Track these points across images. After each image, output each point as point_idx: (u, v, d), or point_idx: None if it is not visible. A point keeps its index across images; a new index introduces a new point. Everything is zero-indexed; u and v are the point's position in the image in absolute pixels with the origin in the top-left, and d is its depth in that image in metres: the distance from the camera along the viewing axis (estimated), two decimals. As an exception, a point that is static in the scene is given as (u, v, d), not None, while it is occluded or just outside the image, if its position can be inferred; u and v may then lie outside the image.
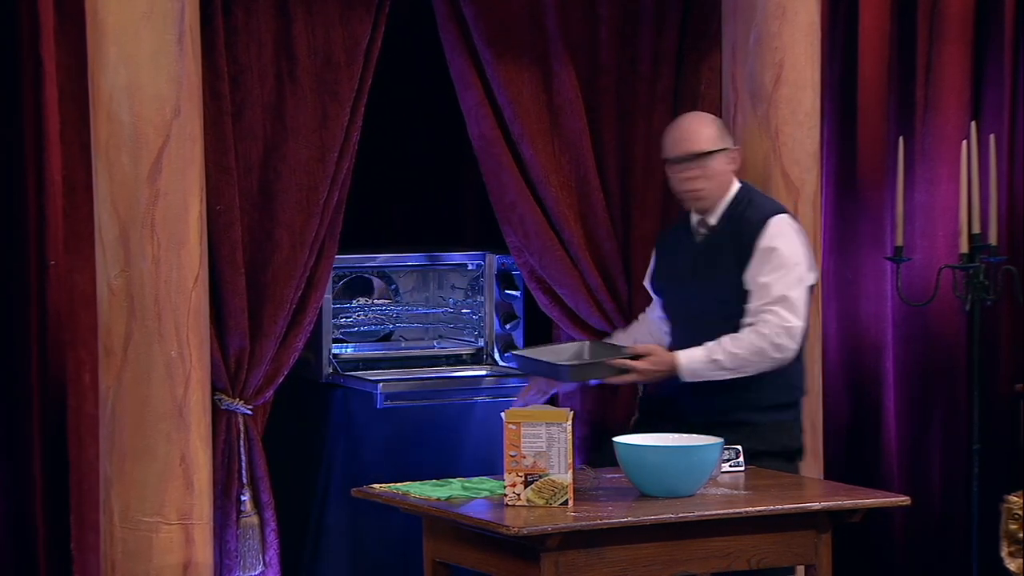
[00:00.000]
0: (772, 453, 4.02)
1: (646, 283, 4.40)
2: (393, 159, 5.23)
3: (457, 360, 4.97)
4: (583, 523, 3.41)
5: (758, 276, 4.06)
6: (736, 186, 4.21)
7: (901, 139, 5.00)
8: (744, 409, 4.04)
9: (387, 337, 5.02)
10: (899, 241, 4.92)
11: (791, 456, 4.12)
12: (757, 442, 3.98)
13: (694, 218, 4.23)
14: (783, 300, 4.03)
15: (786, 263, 4.05)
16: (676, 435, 3.74)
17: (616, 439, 3.66)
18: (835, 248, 5.19)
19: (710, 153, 4.14)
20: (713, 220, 4.18)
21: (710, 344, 4.03)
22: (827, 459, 4.69)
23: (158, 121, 3.97)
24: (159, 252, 3.98)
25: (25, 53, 4.24)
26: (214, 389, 4.19)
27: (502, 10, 4.58)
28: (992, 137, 4.95)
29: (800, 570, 3.79)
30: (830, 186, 5.15)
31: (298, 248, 4.35)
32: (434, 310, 5.09)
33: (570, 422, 3.51)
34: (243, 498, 4.32)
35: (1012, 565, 4.34)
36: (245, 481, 4.32)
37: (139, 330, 3.98)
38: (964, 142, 4.89)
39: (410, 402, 4.71)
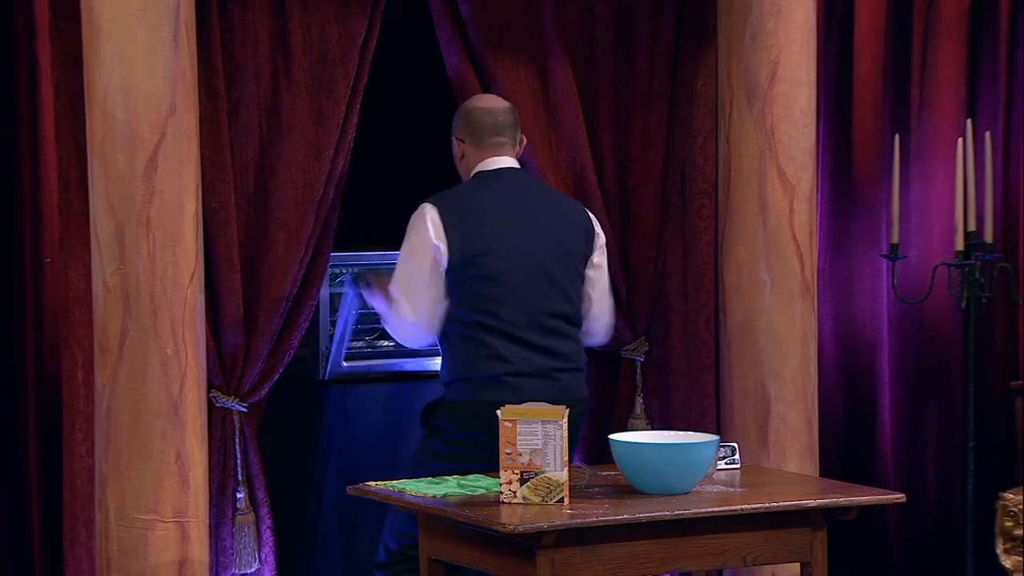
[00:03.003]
0: None
1: None
2: (389, 157, 5.22)
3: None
4: (579, 521, 3.41)
5: None
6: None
7: (897, 136, 5.00)
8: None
9: (384, 335, 5.02)
10: (895, 238, 4.92)
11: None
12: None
13: None
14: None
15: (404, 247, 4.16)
16: (672, 432, 3.75)
17: (612, 436, 3.66)
18: (831, 245, 5.19)
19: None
20: None
21: None
22: (822, 456, 4.69)
23: (153, 118, 3.96)
24: (155, 250, 3.98)
25: (20, 50, 4.24)
26: (209, 387, 4.19)
27: (498, 7, 4.57)
28: (988, 134, 4.95)
29: (796, 567, 3.79)
30: (826, 183, 5.16)
31: (294, 246, 4.35)
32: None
33: (566, 420, 3.51)
34: (239, 495, 4.31)
35: (1007, 562, 4.35)
36: (241, 479, 4.32)
37: (135, 328, 3.98)
38: (960, 139, 4.90)
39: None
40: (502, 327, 4.05)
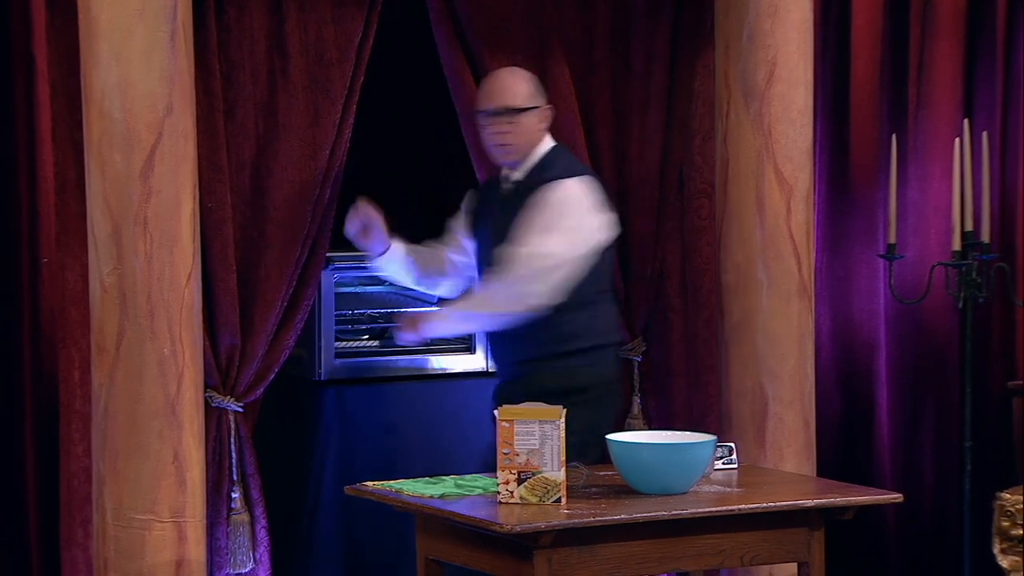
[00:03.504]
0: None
1: (456, 224, 4.39)
2: (386, 157, 5.22)
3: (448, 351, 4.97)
4: (576, 521, 3.41)
5: (523, 222, 4.07)
6: (548, 146, 4.20)
7: (894, 136, 5.00)
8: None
9: (380, 335, 5.02)
10: (892, 239, 4.92)
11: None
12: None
13: (504, 172, 4.25)
14: (540, 245, 4.02)
15: (557, 222, 4.03)
16: (669, 432, 3.75)
17: (609, 436, 3.66)
18: (828, 245, 5.19)
19: (523, 110, 4.15)
20: (519, 175, 4.19)
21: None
22: (820, 456, 4.69)
23: (150, 118, 3.96)
24: (152, 249, 3.98)
25: (16, 50, 4.23)
26: (205, 386, 4.18)
27: (496, 7, 4.57)
28: (984, 134, 4.96)
29: (793, 567, 3.79)
30: (823, 183, 5.16)
31: (290, 246, 4.35)
32: (428, 308, 5.08)
33: (563, 420, 3.50)
34: (234, 495, 4.31)
35: (1005, 562, 4.35)
36: (236, 478, 4.31)
37: (131, 328, 3.97)
38: (957, 140, 4.90)
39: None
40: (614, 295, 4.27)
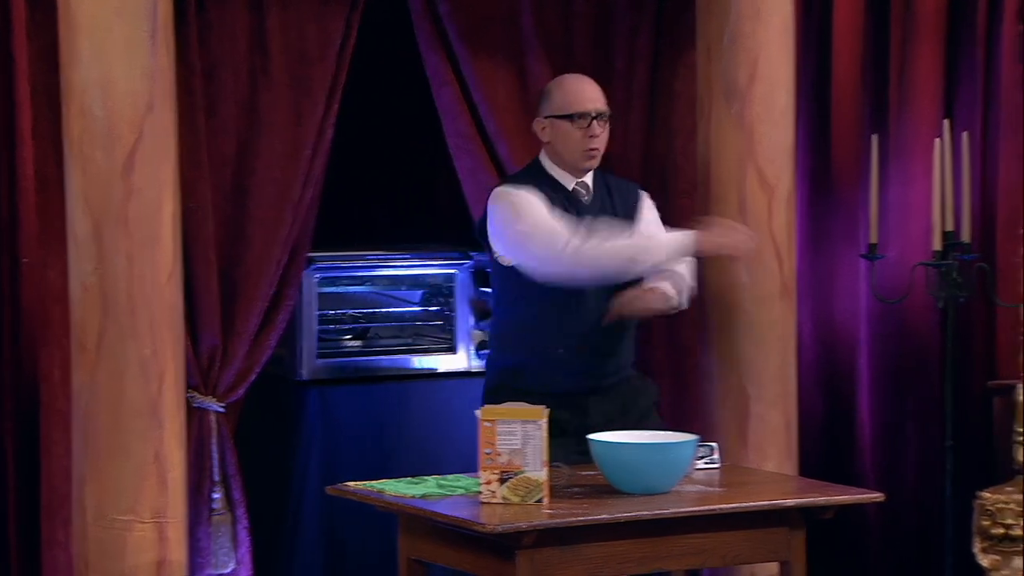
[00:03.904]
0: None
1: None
2: (368, 156, 5.21)
3: (429, 351, 4.96)
4: (558, 520, 3.41)
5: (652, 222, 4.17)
6: None
7: (875, 137, 5.01)
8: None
9: (362, 335, 5.01)
10: (873, 239, 4.93)
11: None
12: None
13: (567, 182, 4.08)
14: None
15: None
16: (651, 432, 3.75)
17: (591, 436, 3.66)
18: (809, 246, 5.20)
19: (612, 116, 4.15)
20: (587, 181, 4.12)
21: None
22: (802, 456, 4.70)
23: (131, 116, 3.95)
24: (133, 248, 3.96)
25: (-4, 48, 4.22)
26: (187, 387, 4.17)
27: (477, 7, 4.57)
28: (965, 135, 4.97)
29: (774, 567, 3.80)
30: (804, 184, 5.16)
31: (271, 245, 4.34)
32: (410, 308, 5.08)
33: (545, 420, 3.50)
34: (215, 496, 4.30)
35: (985, 561, 4.36)
36: (217, 479, 4.30)
37: (112, 327, 3.96)
38: (937, 140, 4.91)
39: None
40: None
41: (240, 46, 4.30)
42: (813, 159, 5.20)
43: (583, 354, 4.01)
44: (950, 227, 4.87)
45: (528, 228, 3.96)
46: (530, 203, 3.98)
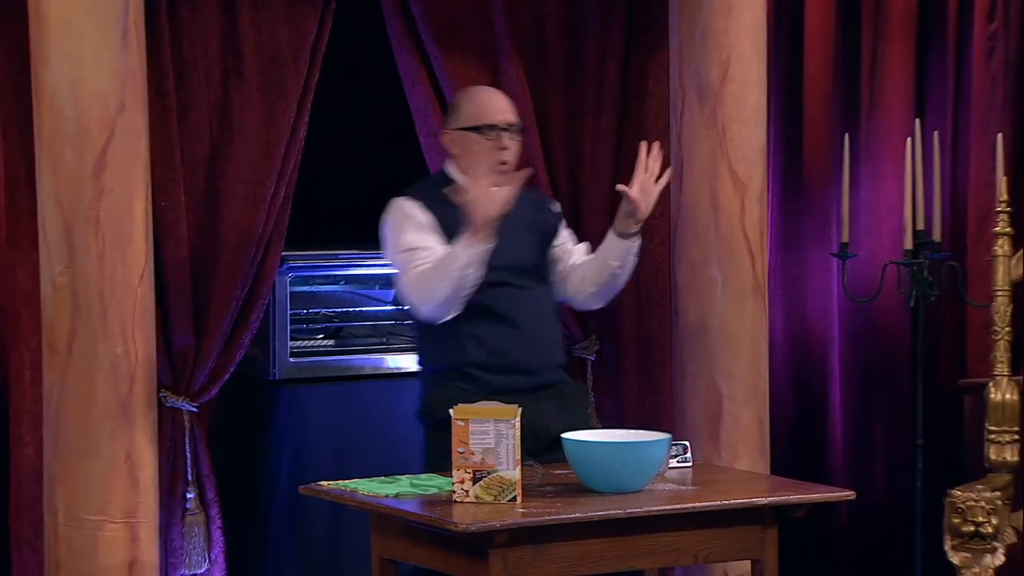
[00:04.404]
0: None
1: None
2: (341, 155, 5.21)
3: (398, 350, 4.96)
4: (531, 519, 3.41)
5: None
6: None
7: (847, 136, 5.03)
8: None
9: (335, 334, 5.01)
10: (844, 238, 4.95)
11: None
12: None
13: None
14: None
15: None
16: (624, 431, 3.75)
17: (564, 435, 3.66)
18: (781, 245, 5.21)
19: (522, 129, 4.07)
20: None
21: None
22: (773, 454, 4.71)
23: (102, 117, 3.93)
24: (104, 248, 3.95)
25: (-34, 47, 4.20)
26: (159, 386, 4.16)
27: (449, 6, 4.57)
28: (936, 134, 4.99)
29: (747, 565, 3.81)
30: (776, 183, 5.18)
31: (244, 245, 4.33)
32: (383, 308, 5.08)
33: (518, 419, 3.51)
34: (188, 496, 4.29)
35: (956, 558, 4.37)
36: (191, 479, 4.29)
37: (83, 327, 3.94)
38: (908, 139, 4.93)
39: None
40: None
41: (212, 47, 4.29)
42: (785, 158, 5.21)
43: (515, 352, 3.93)
44: (921, 226, 4.89)
45: (393, 253, 3.93)
46: (405, 224, 3.91)
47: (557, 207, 4.22)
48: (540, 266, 4.06)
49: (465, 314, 3.91)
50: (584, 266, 4.13)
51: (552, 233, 4.11)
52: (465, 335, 3.92)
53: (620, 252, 4.04)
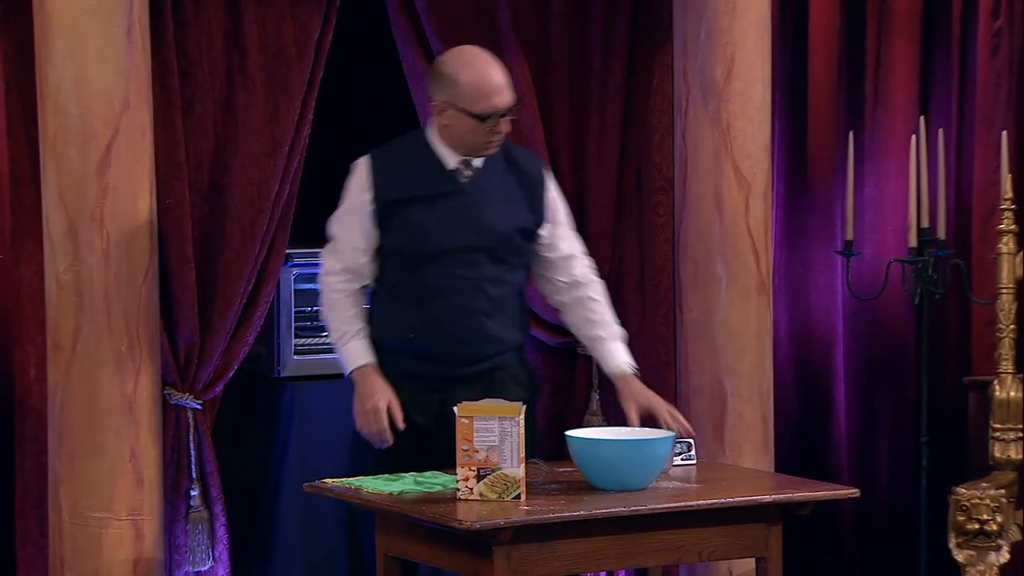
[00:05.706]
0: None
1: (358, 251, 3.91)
2: (345, 153, 5.20)
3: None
4: (535, 517, 3.41)
5: (564, 221, 4.00)
6: None
7: (851, 134, 5.03)
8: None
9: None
10: (849, 235, 4.95)
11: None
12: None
13: (449, 159, 3.83)
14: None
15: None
16: (628, 429, 3.75)
17: (569, 433, 3.66)
18: (785, 242, 5.21)
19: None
20: (479, 163, 3.85)
21: (608, 318, 3.99)
22: (777, 452, 4.72)
23: (106, 114, 3.94)
24: (108, 246, 3.95)
25: (-30, 45, 4.20)
26: (163, 384, 4.17)
27: (453, 4, 4.57)
28: (940, 132, 4.99)
29: (751, 562, 3.81)
30: (781, 180, 5.18)
31: (248, 243, 4.33)
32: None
33: (522, 416, 3.51)
34: (192, 493, 4.30)
35: (960, 556, 4.38)
36: (195, 476, 4.30)
37: (88, 325, 3.95)
38: (913, 137, 4.93)
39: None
40: None
41: (216, 44, 4.29)
42: (789, 156, 5.21)
43: (437, 340, 3.83)
44: (926, 224, 4.89)
45: (331, 221, 3.94)
46: (345, 201, 3.91)
47: (541, 168, 3.98)
48: (507, 243, 3.86)
49: (397, 290, 3.86)
50: (562, 297, 4.02)
51: (536, 209, 3.90)
52: (389, 315, 3.89)
53: (596, 354, 4.01)
